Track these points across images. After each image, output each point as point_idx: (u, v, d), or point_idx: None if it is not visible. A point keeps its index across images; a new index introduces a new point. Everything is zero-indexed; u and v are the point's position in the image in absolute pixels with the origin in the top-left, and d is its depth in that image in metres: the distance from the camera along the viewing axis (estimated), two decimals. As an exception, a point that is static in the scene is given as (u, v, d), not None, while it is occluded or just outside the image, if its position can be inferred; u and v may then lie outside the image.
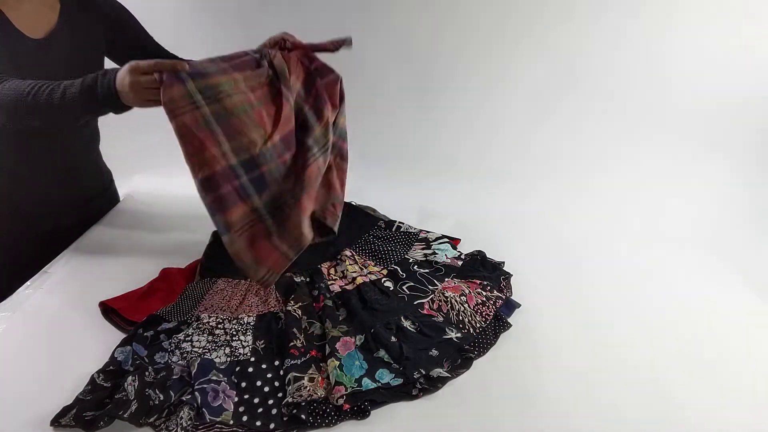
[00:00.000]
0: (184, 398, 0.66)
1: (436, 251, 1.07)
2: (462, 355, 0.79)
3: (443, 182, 1.55)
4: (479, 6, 1.39)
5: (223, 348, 0.76)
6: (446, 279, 0.98)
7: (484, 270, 1.02)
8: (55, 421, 0.62)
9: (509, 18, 1.40)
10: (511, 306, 0.96)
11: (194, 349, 0.75)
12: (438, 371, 0.75)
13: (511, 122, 1.55)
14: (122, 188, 1.25)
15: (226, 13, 1.48)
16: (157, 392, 0.66)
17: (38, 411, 0.64)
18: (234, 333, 0.79)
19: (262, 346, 0.78)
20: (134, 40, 0.99)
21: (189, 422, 0.63)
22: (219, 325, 0.80)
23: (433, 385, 0.74)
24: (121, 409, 0.62)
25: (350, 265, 1.00)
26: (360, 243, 1.09)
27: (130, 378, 0.66)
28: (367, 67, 1.51)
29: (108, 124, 1.06)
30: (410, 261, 1.03)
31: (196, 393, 0.66)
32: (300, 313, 0.84)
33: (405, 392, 0.73)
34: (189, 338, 0.77)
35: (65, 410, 0.63)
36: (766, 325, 0.99)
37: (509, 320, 0.90)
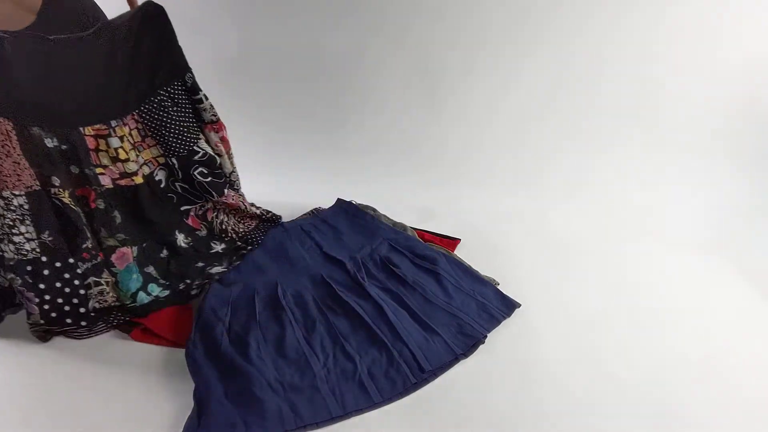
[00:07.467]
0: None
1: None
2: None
3: (444, 182, 1.49)
4: (486, 12, 1.40)
5: (5, 241, 0.70)
6: (227, 191, 0.91)
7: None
8: None
9: (510, 24, 1.40)
10: (511, 306, 0.95)
11: None
12: (217, 269, 0.72)
13: (514, 124, 1.49)
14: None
15: (228, 25, 1.51)
16: None
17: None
18: (11, 222, 0.70)
19: (50, 239, 0.70)
20: None
21: None
22: None
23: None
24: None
25: (125, 150, 0.84)
26: (149, 107, 0.88)
27: None
28: (369, 69, 1.55)
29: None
30: (197, 155, 0.88)
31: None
32: (72, 205, 0.75)
33: (182, 298, 0.82)
34: None
35: None
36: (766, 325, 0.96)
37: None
